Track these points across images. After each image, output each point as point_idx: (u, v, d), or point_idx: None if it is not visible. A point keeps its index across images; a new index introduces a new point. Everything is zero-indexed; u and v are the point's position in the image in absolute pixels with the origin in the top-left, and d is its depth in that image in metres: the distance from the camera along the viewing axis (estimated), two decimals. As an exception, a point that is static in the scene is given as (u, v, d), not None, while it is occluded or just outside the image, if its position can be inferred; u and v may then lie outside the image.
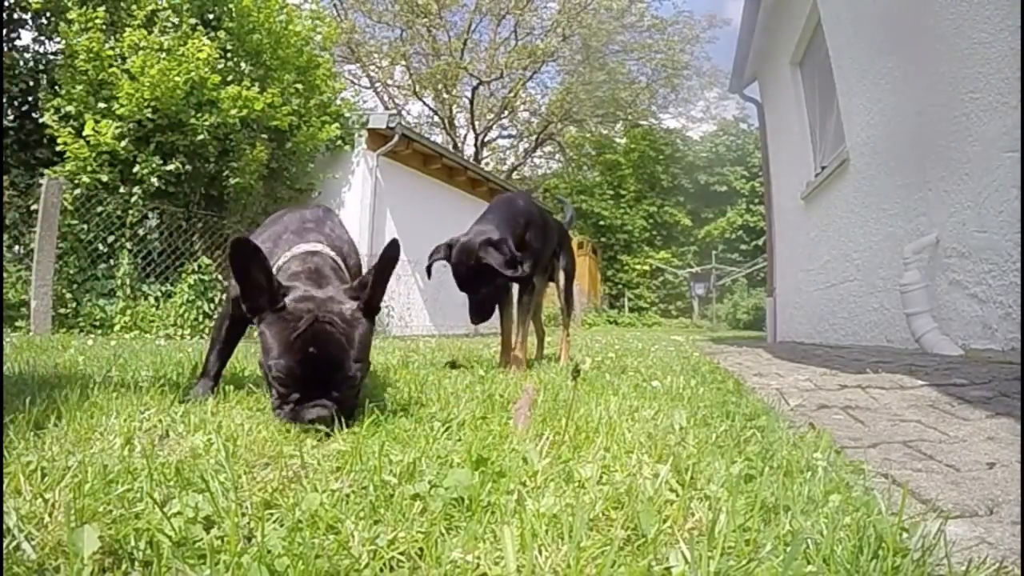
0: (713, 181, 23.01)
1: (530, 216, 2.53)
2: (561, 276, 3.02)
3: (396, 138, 8.24)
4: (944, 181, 3.40)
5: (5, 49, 6.22)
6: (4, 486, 0.66)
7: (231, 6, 6.69)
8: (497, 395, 1.44)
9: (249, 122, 6.55)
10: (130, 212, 6.07)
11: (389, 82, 20.19)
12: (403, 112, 20.78)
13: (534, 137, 22.12)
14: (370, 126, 8.29)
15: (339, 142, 8.05)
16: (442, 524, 0.61)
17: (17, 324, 4.89)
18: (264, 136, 6.79)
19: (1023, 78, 2.58)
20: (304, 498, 0.64)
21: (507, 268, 2.16)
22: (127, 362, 2.03)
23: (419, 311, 9.53)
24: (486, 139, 21.62)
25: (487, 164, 21.56)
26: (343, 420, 1.05)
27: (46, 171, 5.53)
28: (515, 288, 2.54)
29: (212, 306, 6.33)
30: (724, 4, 43.97)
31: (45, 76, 6.33)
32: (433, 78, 19.15)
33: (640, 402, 1.41)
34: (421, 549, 0.56)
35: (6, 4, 6.08)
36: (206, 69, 6.13)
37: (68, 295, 5.51)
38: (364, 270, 1.37)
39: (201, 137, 6.13)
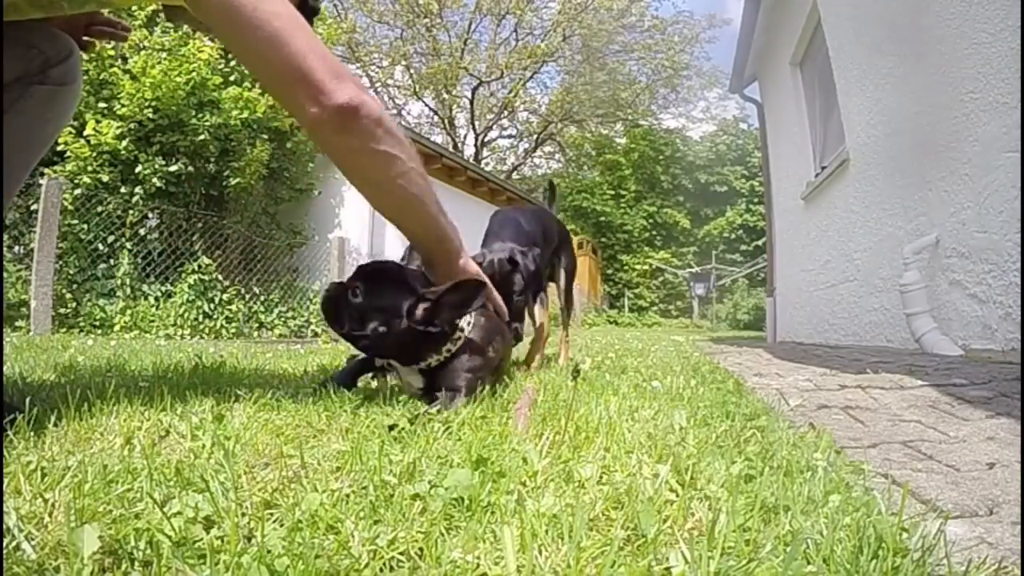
0: (713, 181, 23.02)
1: (533, 225, 2.52)
2: (562, 275, 3.02)
3: (396, 138, 8.23)
4: (944, 181, 3.40)
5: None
6: (4, 486, 0.66)
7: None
8: (498, 395, 1.44)
9: (250, 122, 6.55)
10: (130, 212, 6.07)
11: (389, 82, 20.19)
12: (403, 112, 20.78)
13: (534, 137, 22.12)
14: (370, 126, 8.28)
15: (339, 142, 8.06)
16: (442, 524, 0.61)
17: (17, 324, 4.89)
18: (264, 136, 6.79)
19: (1023, 78, 2.58)
20: (304, 498, 0.64)
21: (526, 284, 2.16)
22: (127, 362, 2.03)
23: (419, 311, 9.50)
24: (486, 139, 21.64)
25: (487, 164, 21.56)
26: None
27: (46, 171, 5.53)
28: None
29: (212, 306, 6.33)
30: (724, 4, 43.98)
31: (45, 76, 6.32)
32: (433, 78, 19.15)
33: (640, 402, 1.40)
34: (421, 549, 0.56)
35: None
36: (207, 70, 6.13)
37: (68, 295, 5.51)
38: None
39: (202, 137, 6.13)
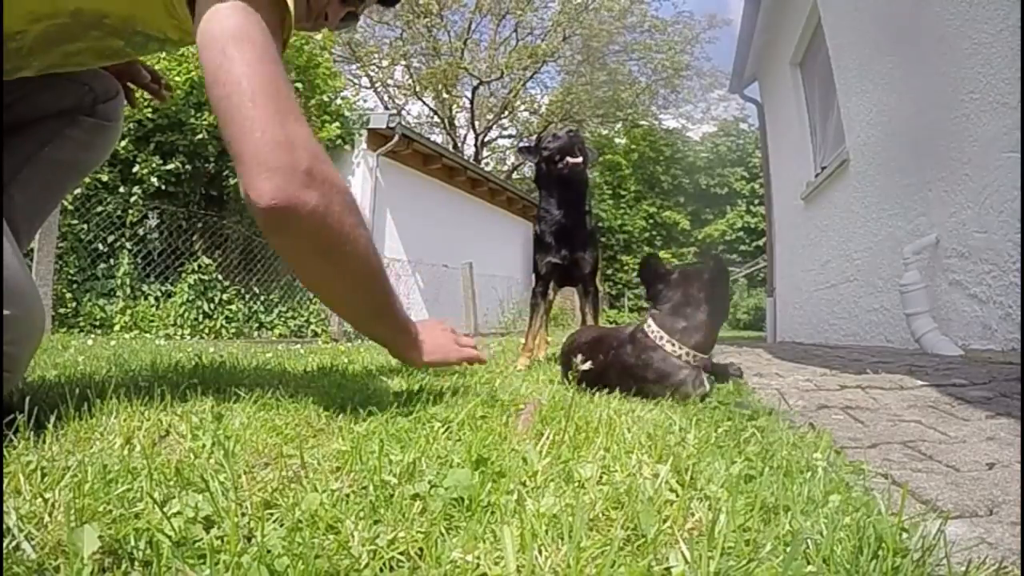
0: (713, 182, 23.02)
1: None
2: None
3: (396, 138, 8.24)
4: (944, 181, 3.40)
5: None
6: (4, 486, 0.66)
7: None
8: (498, 396, 1.44)
9: (249, 122, 6.54)
10: (130, 212, 6.07)
11: (389, 82, 20.18)
12: (403, 112, 20.77)
13: (534, 137, 22.08)
14: (370, 126, 8.29)
15: (339, 142, 8.05)
16: (442, 524, 0.61)
17: (17, 324, 4.88)
18: (264, 136, 6.79)
19: (1023, 78, 2.58)
20: (304, 498, 0.64)
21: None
22: (127, 362, 2.03)
23: (419, 311, 9.52)
24: (486, 139, 21.61)
25: (487, 164, 21.54)
26: None
27: (46, 171, 5.51)
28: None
29: (212, 306, 6.33)
30: (725, 4, 44.00)
31: (45, 76, 6.33)
32: (433, 78, 19.14)
33: (640, 402, 1.40)
34: (421, 549, 0.56)
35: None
36: (206, 69, 6.12)
37: (68, 295, 5.51)
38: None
39: (201, 136, 6.13)
